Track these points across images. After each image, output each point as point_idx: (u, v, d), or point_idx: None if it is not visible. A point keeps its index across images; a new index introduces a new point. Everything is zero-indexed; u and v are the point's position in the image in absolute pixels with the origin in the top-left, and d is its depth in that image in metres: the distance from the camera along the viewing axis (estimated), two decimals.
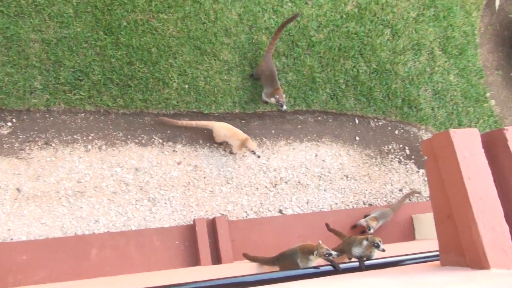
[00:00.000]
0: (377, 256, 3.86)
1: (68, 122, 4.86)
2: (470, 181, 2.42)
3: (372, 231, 4.89)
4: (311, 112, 5.70)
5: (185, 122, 5.05)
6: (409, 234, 5.46)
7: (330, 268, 3.66)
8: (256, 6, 5.58)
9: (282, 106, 5.12)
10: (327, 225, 4.85)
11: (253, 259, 4.38)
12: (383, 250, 3.77)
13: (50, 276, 4.29)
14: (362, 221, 5.11)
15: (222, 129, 5.01)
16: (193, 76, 5.25)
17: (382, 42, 6.01)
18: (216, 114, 5.20)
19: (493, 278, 2.16)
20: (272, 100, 5.18)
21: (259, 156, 5.10)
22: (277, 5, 5.65)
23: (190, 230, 4.79)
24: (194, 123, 5.05)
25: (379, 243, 3.79)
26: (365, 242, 3.89)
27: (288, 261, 4.04)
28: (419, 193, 5.79)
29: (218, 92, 5.31)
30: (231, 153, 5.24)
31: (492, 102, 6.54)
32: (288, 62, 5.60)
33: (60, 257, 4.37)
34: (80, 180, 4.73)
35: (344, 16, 5.91)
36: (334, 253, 3.68)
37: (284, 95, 5.17)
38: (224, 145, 5.24)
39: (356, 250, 3.93)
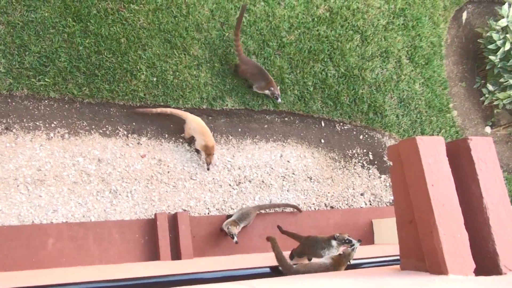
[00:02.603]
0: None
1: (30, 108, 4.74)
2: (433, 187, 2.45)
3: (235, 239, 4.74)
4: (278, 112, 5.72)
5: (159, 109, 5.01)
6: (368, 238, 5.53)
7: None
8: (229, 3, 5.57)
9: (277, 98, 5.30)
10: (279, 227, 4.82)
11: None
12: (360, 241, 3.73)
13: (3, 265, 4.17)
14: (224, 227, 4.84)
15: (194, 122, 4.98)
16: (162, 69, 5.19)
17: (352, 47, 6.08)
18: (183, 109, 5.16)
19: (451, 284, 2.20)
20: (267, 92, 5.35)
21: (208, 169, 5.18)
22: (250, 4, 5.65)
23: (151, 224, 4.73)
24: (169, 110, 5.02)
25: (350, 238, 3.76)
26: (334, 242, 3.87)
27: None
28: (300, 211, 5.41)
29: (186, 87, 5.27)
30: (196, 150, 5.20)
31: (455, 112, 6.69)
32: (258, 61, 5.60)
33: (14, 245, 4.24)
34: (40, 168, 4.62)
35: (315, 19, 5.95)
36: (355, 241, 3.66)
37: (278, 87, 5.28)
38: (190, 141, 5.21)
39: (328, 253, 3.87)
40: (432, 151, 2.55)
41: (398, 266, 2.73)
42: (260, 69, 5.34)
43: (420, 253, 2.49)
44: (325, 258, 3.65)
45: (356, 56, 6.10)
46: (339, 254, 3.61)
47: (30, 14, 4.79)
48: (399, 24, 6.44)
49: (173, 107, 5.13)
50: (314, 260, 3.80)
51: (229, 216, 4.96)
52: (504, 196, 2.60)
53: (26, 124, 4.68)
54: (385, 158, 6.06)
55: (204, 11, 5.45)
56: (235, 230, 4.75)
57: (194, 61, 5.34)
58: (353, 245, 3.67)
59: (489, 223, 2.48)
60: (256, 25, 5.64)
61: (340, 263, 3.52)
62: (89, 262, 4.43)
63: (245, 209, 4.99)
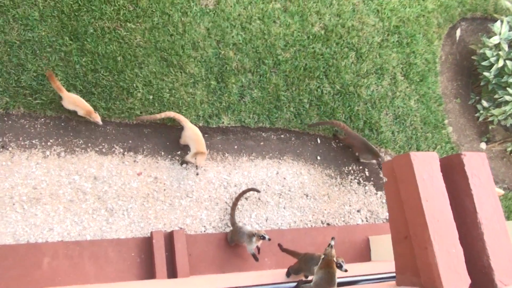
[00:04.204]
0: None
1: (27, 126, 4.75)
2: (427, 203, 2.47)
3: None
4: (274, 129, 5.73)
5: (163, 114, 5.03)
6: (365, 254, 5.51)
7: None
8: (225, 21, 5.61)
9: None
10: (279, 245, 4.85)
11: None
12: (346, 271, 3.73)
13: None
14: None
15: (191, 130, 5.01)
16: (158, 87, 5.22)
17: (347, 65, 6.12)
18: (179, 127, 5.17)
19: None
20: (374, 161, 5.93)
21: (197, 174, 5.16)
22: (246, 22, 5.70)
23: (147, 243, 4.71)
24: (172, 114, 5.05)
25: (342, 263, 3.77)
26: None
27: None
28: (258, 191, 5.42)
29: (183, 105, 5.29)
30: (182, 161, 5.18)
31: (450, 129, 6.72)
32: (254, 79, 5.63)
33: (9, 264, 4.22)
34: (36, 187, 4.61)
35: (311, 36, 6.00)
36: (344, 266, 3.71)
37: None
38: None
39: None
40: (426, 167, 2.57)
41: (394, 282, 2.73)
42: (366, 143, 5.74)
43: (416, 269, 2.50)
44: (316, 273, 3.67)
45: (352, 73, 6.14)
46: (322, 258, 3.61)
47: (27, 33, 4.82)
48: (393, 42, 6.49)
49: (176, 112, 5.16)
50: (315, 281, 3.79)
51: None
52: (498, 210, 2.62)
53: (22, 143, 4.68)
54: (381, 175, 6.07)
55: (200, 30, 5.49)
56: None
57: (190, 79, 5.37)
58: (341, 267, 3.68)
59: (484, 238, 2.50)
60: (252, 43, 5.69)
61: (329, 264, 3.55)
62: (84, 281, 4.41)
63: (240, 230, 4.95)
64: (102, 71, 5.02)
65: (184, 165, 5.12)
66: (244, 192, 5.24)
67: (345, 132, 5.75)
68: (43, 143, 4.76)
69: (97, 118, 4.83)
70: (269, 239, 4.67)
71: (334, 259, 3.58)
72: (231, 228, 5.07)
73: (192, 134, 4.99)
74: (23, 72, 4.76)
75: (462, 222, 2.58)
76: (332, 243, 3.63)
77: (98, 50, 5.04)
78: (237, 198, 5.17)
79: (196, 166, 5.07)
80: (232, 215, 5.09)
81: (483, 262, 2.48)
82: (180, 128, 5.12)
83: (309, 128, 5.86)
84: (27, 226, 4.50)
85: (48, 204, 4.61)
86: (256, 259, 4.83)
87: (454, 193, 2.62)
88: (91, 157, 4.89)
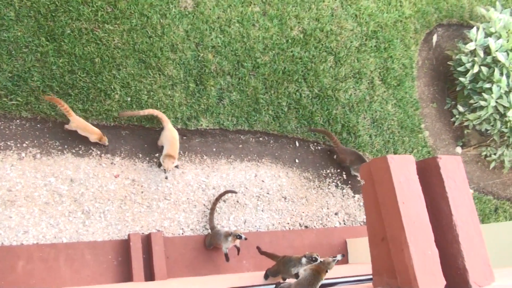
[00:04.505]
0: None
1: (2, 127, 4.68)
2: (404, 205, 2.49)
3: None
4: (253, 132, 5.74)
5: (146, 111, 5.03)
6: (343, 258, 5.53)
7: None
8: (204, 24, 5.61)
9: None
10: (258, 248, 4.84)
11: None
12: (343, 255, 3.88)
13: None
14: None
15: (169, 131, 5.00)
16: (136, 89, 5.19)
17: (325, 69, 6.16)
18: (157, 129, 5.14)
19: None
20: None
21: (166, 178, 5.14)
22: (225, 25, 5.70)
23: (124, 245, 4.67)
24: (155, 112, 5.03)
25: (317, 257, 3.84)
26: (304, 260, 3.93)
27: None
28: (235, 192, 5.45)
29: (161, 107, 5.26)
30: (159, 163, 5.17)
31: (426, 133, 6.80)
32: (233, 82, 5.63)
33: None
34: (11, 189, 4.54)
35: (289, 40, 6.03)
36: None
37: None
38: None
39: (297, 270, 3.95)
40: (403, 170, 2.59)
41: (371, 284, 2.75)
42: (357, 154, 5.86)
43: (392, 270, 2.52)
44: (304, 271, 3.69)
45: (330, 77, 6.18)
46: (319, 262, 3.67)
47: (2, 33, 4.76)
48: (371, 46, 6.55)
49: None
50: (300, 279, 3.83)
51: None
52: (473, 213, 2.65)
53: None
54: (359, 178, 6.11)
55: (179, 32, 5.48)
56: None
57: (168, 81, 5.35)
58: (317, 260, 3.81)
59: (459, 240, 2.52)
60: (231, 45, 5.69)
61: (320, 271, 3.57)
62: (60, 284, 4.35)
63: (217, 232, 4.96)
64: (79, 73, 4.98)
65: (162, 167, 5.08)
66: (222, 195, 5.23)
67: (334, 144, 5.86)
68: (18, 145, 4.69)
69: (106, 140, 4.89)
70: (245, 239, 4.68)
71: (328, 270, 3.62)
72: (210, 231, 5.06)
73: (169, 135, 4.98)
74: None
75: (438, 224, 2.60)
76: (339, 258, 3.73)
77: (76, 51, 4.99)
78: (215, 202, 5.17)
79: (164, 170, 5.02)
80: (211, 219, 5.08)
81: (458, 264, 2.50)
82: (158, 130, 5.11)
83: (309, 131, 5.99)
84: (1, 228, 4.42)
85: (23, 206, 4.54)
86: (227, 259, 4.84)
87: (430, 195, 2.65)
88: (68, 159, 4.83)
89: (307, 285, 3.56)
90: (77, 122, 4.73)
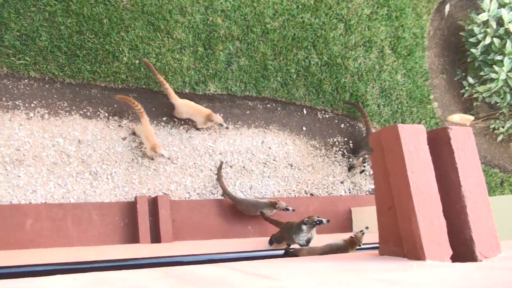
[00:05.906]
0: (317, 244, 3.93)
1: (10, 87, 4.67)
2: (413, 175, 2.48)
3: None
4: (261, 98, 5.71)
5: (161, 78, 4.97)
6: (347, 225, 5.58)
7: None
8: None
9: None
10: (261, 213, 4.86)
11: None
12: (328, 221, 3.92)
13: None
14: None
15: (184, 107, 5.00)
16: (145, 51, 5.15)
17: (335, 36, 6.09)
18: (165, 93, 5.13)
19: (428, 269, 2.24)
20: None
21: (227, 127, 5.25)
22: None
23: (131, 207, 4.71)
24: (167, 85, 4.98)
25: (320, 219, 3.89)
26: (304, 227, 3.96)
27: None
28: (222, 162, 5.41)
29: (169, 71, 5.24)
30: (196, 129, 5.20)
31: (435, 104, 6.76)
32: (242, 47, 5.58)
33: None
34: (19, 148, 4.56)
35: (300, 6, 5.95)
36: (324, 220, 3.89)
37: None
38: (182, 123, 5.19)
39: (301, 238, 3.99)
40: (413, 139, 2.58)
41: (377, 251, 2.77)
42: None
43: (399, 239, 2.53)
44: (338, 240, 3.73)
45: (340, 44, 6.12)
46: (351, 237, 3.68)
47: None
48: (382, 14, 6.46)
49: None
50: (330, 242, 3.86)
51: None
52: (482, 185, 2.65)
53: (5, 103, 4.61)
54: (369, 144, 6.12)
55: None
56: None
57: (177, 44, 5.31)
58: (322, 222, 3.90)
59: (467, 211, 2.52)
60: (240, 10, 5.62)
61: (353, 245, 3.63)
62: (67, 243, 4.40)
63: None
64: (87, 33, 4.94)
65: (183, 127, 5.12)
66: (220, 169, 5.27)
67: (365, 121, 5.91)
68: (26, 105, 4.69)
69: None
70: (293, 210, 4.80)
71: (360, 244, 3.67)
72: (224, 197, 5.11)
73: (187, 109, 5.07)
74: (6, 31, 4.65)
75: (446, 194, 2.60)
76: (365, 231, 3.73)
77: (84, 12, 4.94)
78: (219, 173, 5.21)
79: (220, 124, 5.19)
80: (224, 188, 5.12)
81: (465, 235, 2.51)
82: (165, 94, 5.08)
83: (344, 103, 6.05)
84: (10, 187, 4.46)
85: (31, 166, 4.57)
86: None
87: (439, 166, 2.64)
88: (76, 120, 4.84)
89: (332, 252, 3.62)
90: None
